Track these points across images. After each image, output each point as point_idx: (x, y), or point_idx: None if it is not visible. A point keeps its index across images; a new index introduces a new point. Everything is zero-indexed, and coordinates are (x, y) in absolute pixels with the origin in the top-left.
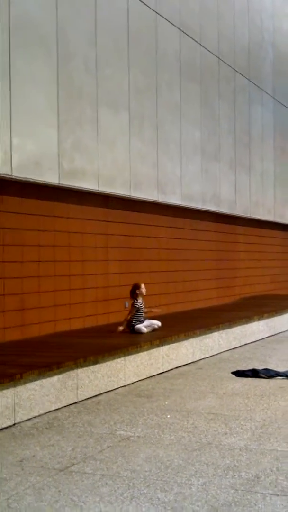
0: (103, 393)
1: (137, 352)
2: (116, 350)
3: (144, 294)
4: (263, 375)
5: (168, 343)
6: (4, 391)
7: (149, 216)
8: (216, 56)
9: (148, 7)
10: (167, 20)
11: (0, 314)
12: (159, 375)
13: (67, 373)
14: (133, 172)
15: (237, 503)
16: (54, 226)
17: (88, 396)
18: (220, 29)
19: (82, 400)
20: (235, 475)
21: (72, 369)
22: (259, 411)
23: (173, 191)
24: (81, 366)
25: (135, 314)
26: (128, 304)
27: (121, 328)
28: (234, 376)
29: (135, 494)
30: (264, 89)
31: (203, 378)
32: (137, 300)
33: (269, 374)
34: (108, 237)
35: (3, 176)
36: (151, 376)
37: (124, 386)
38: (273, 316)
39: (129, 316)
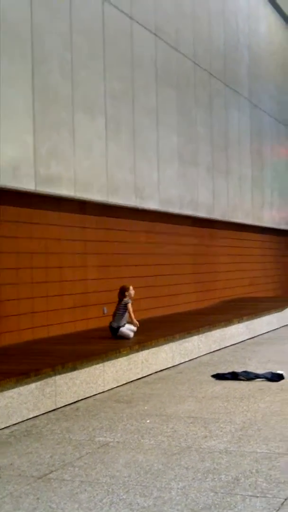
0: (82, 399)
1: (116, 357)
2: (94, 356)
3: (133, 296)
4: (242, 378)
5: (148, 348)
6: None
7: (127, 222)
8: (191, 60)
9: (123, 12)
10: (141, 25)
11: None
12: (139, 380)
13: (45, 380)
14: (110, 177)
15: (217, 505)
16: (31, 233)
17: (67, 403)
18: (196, 33)
19: (61, 407)
20: (214, 478)
21: (50, 376)
22: (238, 413)
23: (151, 196)
24: (59, 373)
25: (122, 315)
26: (106, 310)
27: (134, 329)
28: (214, 379)
29: (114, 500)
30: (241, 92)
31: (182, 382)
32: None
33: (248, 376)
34: (86, 243)
35: None
36: (131, 382)
37: (103, 392)
38: (252, 318)
39: (133, 315)
